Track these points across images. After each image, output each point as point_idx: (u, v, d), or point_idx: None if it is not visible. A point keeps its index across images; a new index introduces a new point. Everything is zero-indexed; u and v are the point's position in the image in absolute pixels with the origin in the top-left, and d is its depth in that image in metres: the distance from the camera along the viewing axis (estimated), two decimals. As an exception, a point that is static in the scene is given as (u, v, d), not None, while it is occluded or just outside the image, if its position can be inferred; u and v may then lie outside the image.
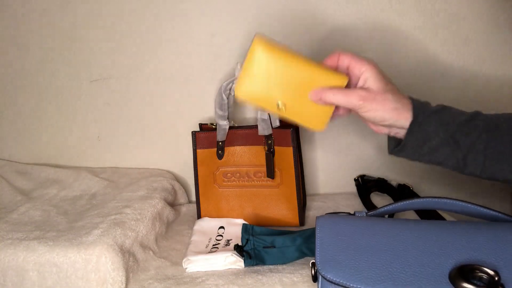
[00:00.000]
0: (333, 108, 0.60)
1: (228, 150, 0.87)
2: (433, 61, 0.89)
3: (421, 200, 0.61)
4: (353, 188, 0.96)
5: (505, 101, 0.90)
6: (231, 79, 0.83)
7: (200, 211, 0.89)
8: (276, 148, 0.85)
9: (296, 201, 0.85)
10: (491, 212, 0.57)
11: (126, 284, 0.69)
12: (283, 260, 0.72)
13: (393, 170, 0.97)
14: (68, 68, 0.99)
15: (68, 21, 0.96)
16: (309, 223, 0.86)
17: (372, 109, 0.57)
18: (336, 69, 0.61)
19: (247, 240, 0.73)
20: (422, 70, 0.90)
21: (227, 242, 0.79)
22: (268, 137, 0.85)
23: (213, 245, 0.78)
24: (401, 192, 0.91)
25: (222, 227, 0.85)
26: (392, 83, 0.60)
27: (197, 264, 0.72)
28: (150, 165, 1.04)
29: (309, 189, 0.98)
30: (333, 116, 0.62)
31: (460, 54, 0.88)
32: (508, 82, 0.89)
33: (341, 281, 0.48)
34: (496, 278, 0.44)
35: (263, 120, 0.83)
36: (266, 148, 0.85)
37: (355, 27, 0.88)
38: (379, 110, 0.57)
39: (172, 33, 0.94)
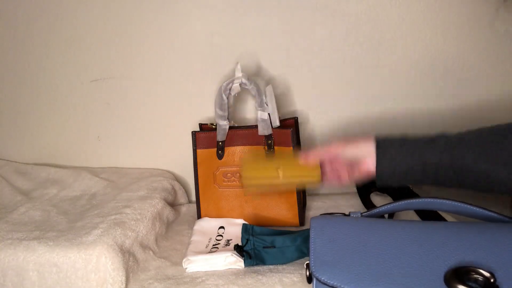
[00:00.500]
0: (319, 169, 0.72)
1: (228, 150, 0.87)
2: (434, 59, 0.89)
3: (417, 200, 0.61)
4: (353, 188, 0.96)
5: (506, 103, 0.90)
6: (231, 79, 0.83)
7: (200, 211, 0.89)
8: (276, 148, 0.85)
9: (296, 201, 0.85)
10: (487, 212, 0.56)
11: (126, 284, 0.69)
12: (283, 260, 0.72)
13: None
14: (68, 68, 0.99)
15: (68, 21, 0.96)
16: (309, 223, 0.86)
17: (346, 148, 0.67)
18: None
19: (247, 240, 0.73)
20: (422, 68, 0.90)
21: (227, 242, 0.79)
22: (268, 137, 0.85)
23: (213, 245, 0.78)
24: (401, 192, 0.91)
25: (222, 227, 0.85)
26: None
27: (197, 264, 0.72)
28: (150, 165, 1.04)
29: (309, 189, 0.98)
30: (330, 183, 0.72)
31: (460, 52, 0.88)
32: (509, 81, 0.89)
33: (335, 283, 0.48)
34: (492, 280, 0.43)
35: (263, 120, 0.83)
36: (266, 148, 0.85)
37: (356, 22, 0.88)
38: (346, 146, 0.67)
39: (172, 33, 0.94)
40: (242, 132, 0.87)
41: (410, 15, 0.87)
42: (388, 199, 0.92)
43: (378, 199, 0.92)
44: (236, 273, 0.70)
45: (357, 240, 0.53)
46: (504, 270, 0.44)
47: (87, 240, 0.71)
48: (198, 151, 0.88)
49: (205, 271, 0.72)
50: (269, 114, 0.83)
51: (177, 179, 1.02)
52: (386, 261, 0.49)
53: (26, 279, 0.70)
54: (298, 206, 0.85)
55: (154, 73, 0.97)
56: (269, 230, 0.77)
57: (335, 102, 0.94)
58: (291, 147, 0.83)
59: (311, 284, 0.51)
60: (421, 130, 0.92)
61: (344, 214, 0.63)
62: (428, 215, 0.81)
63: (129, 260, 0.72)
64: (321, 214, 0.63)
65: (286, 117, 0.90)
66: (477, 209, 0.57)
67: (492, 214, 0.56)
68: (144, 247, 0.78)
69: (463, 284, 0.43)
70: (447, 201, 0.59)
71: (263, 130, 0.84)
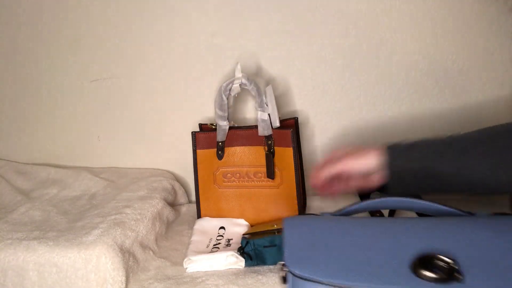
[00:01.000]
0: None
1: (228, 150, 0.87)
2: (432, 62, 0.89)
3: (380, 200, 0.63)
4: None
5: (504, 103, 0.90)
6: (231, 79, 0.83)
7: (200, 211, 0.89)
8: (276, 148, 0.85)
9: (296, 201, 0.85)
10: (449, 209, 0.60)
11: (126, 284, 0.69)
12: (284, 259, 0.72)
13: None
14: (68, 68, 0.99)
15: (68, 21, 0.96)
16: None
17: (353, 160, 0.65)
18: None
19: (247, 241, 0.73)
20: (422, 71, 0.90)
21: (228, 242, 0.79)
22: (268, 137, 0.85)
23: (214, 245, 0.78)
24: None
25: (222, 227, 0.85)
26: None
27: (198, 264, 0.73)
28: (150, 165, 1.04)
29: (309, 189, 0.98)
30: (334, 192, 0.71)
31: (459, 54, 0.88)
32: (509, 81, 0.89)
33: (309, 276, 0.50)
34: (456, 267, 0.46)
35: (263, 120, 0.83)
36: (266, 149, 0.85)
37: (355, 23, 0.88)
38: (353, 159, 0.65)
39: (172, 33, 0.94)
40: (242, 133, 0.87)
41: (410, 15, 0.87)
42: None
43: (378, 199, 0.91)
44: (236, 273, 0.70)
45: (328, 236, 0.55)
46: (466, 256, 0.47)
47: (87, 240, 0.71)
48: (198, 151, 0.88)
49: (205, 271, 0.72)
50: (269, 114, 0.83)
51: (177, 179, 1.02)
52: (356, 253, 0.51)
53: (26, 279, 0.70)
54: (298, 206, 0.85)
55: (154, 73, 0.97)
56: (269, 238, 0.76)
57: (335, 102, 0.94)
58: (291, 148, 0.83)
59: (286, 284, 0.53)
60: (421, 130, 0.93)
61: (316, 215, 0.65)
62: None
63: (129, 260, 0.72)
64: (294, 215, 0.65)
65: (286, 117, 0.90)
66: (439, 206, 0.60)
67: (453, 210, 0.60)
68: (144, 247, 0.78)
69: (428, 270, 0.46)
70: (409, 199, 0.62)
71: (263, 131, 0.84)
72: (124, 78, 0.98)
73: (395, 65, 0.90)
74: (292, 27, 0.90)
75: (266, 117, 0.83)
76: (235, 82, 0.83)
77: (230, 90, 0.84)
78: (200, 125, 0.91)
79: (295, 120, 0.89)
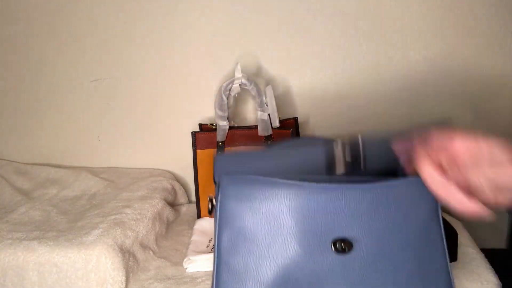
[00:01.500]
0: None
1: (228, 150, 0.87)
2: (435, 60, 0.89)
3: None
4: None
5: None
6: (231, 79, 0.83)
7: (200, 211, 0.89)
8: (276, 148, 0.85)
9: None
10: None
11: (126, 284, 0.69)
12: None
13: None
14: (68, 68, 0.99)
15: (68, 21, 0.96)
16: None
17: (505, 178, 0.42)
18: None
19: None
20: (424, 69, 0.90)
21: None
22: (268, 137, 0.85)
23: (214, 245, 0.78)
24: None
25: (222, 227, 0.85)
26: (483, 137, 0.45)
27: (198, 264, 0.73)
28: (150, 165, 1.04)
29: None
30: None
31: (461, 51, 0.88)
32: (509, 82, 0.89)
33: (236, 178, 0.49)
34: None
35: (263, 120, 0.83)
36: (266, 148, 0.85)
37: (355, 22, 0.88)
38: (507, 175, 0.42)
39: (172, 33, 0.94)
40: (242, 133, 0.87)
41: (410, 15, 0.87)
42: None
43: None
44: (236, 273, 0.70)
45: (254, 160, 0.54)
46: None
47: (87, 240, 0.71)
48: (198, 151, 0.88)
49: (205, 271, 0.72)
50: (269, 114, 0.83)
51: (177, 179, 1.02)
52: (279, 166, 0.53)
53: (26, 279, 0.70)
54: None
55: (154, 73, 0.97)
56: None
57: (335, 102, 0.94)
58: (291, 147, 0.83)
59: (213, 211, 0.52)
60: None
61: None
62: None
63: (129, 260, 0.72)
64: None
65: (286, 117, 0.90)
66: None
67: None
68: (144, 247, 0.78)
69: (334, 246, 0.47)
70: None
71: (263, 131, 0.84)
72: (124, 78, 0.98)
73: (395, 65, 0.90)
74: (292, 27, 0.90)
75: (266, 117, 0.83)
76: (235, 82, 0.83)
77: (230, 90, 0.84)
78: (200, 125, 0.91)
79: (295, 120, 0.89)
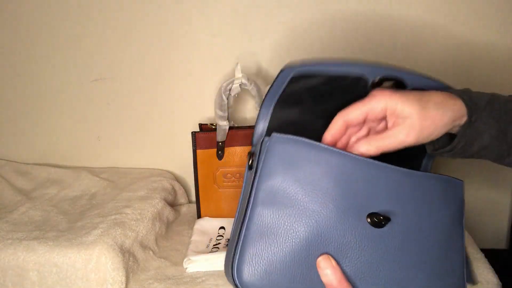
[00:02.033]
0: None
1: (228, 150, 0.87)
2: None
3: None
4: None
5: None
6: (231, 79, 0.83)
7: (200, 211, 0.90)
8: (276, 148, 0.85)
9: (296, 201, 0.85)
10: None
11: (126, 284, 0.69)
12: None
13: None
14: (68, 68, 0.99)
15: (68, 21, 0.96)
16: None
17: (426, 135, 0.50)
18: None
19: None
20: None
21: (228, 242, 0.79)
22: (268, 137, 0.85)
23: (214, 245, 0.78)
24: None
25: (222, 227, 0.85)
26: (422, 93, 0.52)
27: (198, 264, 0.73)
28: (150, 165, 1.04)
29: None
30: None
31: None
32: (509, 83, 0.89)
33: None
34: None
35: (263, 120, 0.83)
36: (266, 148, 0.85)
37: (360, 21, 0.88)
38: (433, 133, 0.50)
39: (172, 33, 0.94)
40: (242, 133, 0.87)
41: (410, 15, 0.87)
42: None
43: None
44: (236, 273, 0.70)
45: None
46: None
47: (87, 240, 0.71)
48: (198, 151, 0.88)
49: (205, 271, 0.72)
50: (269, 114, 0.83)
51: (177, 179, 1.02)
52: None
53: (26, 279, 0.70)
54: (298, 206, 0.85)
55: (154, 73, 0.97)
56: None
57: (335, 102, 0.94)
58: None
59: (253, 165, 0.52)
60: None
61: None
62: None
63: (129, 260, 0.72)
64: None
65: (286, 117, 0.90)
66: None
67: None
68: (144, 247, 0.78)
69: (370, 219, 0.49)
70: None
71: (263, 130, 0.84)
72: (124, 78, 0.98)
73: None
74: (292, 27, 0.90)
75: (266, 117, 0.83)
76: (235, 82, 0.83)
77: (230, 90, 0.84)
78: (200, 125, 0.91)
79: (295, 120, 0.89)
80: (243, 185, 0.57)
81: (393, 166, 0.50)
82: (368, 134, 0.55)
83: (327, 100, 0.58)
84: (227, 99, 0.84)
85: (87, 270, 0.68)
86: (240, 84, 0.83)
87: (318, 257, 0.47)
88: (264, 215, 0.48)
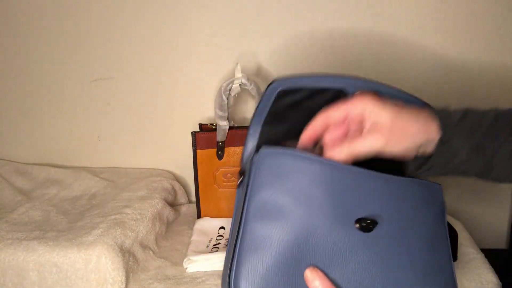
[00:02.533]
0: None
1: (228, 150, 0.87)
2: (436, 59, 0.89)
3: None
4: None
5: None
6: (231, 79, 0.83)
7: (200, 211, 0.90)
8: (276, 148, 0.85)
9: (296, 201, 0.85)
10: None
11: (126, 284, 0.69)
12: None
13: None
14: (68, 68, 0.99)
15: (68, 21, 0.96)
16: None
17: (396, 143, 0.50)
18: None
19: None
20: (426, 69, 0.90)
21: (228, 242, 0.79)
22: (268, 137, 0.84)
23: (214, 245, 0.78)
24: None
25: (222, 227, 0.85)
26: (399, 103, 0.53)
27: (198, 264, 0.73)
28: (150, 165, 1.04)
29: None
30: None
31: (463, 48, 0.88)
32: (510, 82, 0.89)
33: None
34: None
35: (263, 120, 0.83)
36: (266, 148, 0.85)
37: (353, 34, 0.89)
38: (402, 142, 0.50)
39: (172, 33, 0.94)
40: (242, 133, 0.87)
41: (411, 15, 0.87)
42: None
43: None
44: (236, 273, 0.70)
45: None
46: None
47: (87, 240, 0.71)
48: (198, 151, 0.88)
49: (205, 271, 0.72)
50: (269, 114, 0.83)
51: (177, 179, 1.02)
52: None
53: (26, 279, 0.70)
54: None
55: (154, 73, 0.97)
56: None
57: (335, 102, 0.94)
58: (291, 147, 0.83)
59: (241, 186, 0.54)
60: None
61: None
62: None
63: (129, 260, 0.72)
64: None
65: (286, 117, 0.90)
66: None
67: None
68: (144, 247, 0.78)
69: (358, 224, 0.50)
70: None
71: (263, 130, 0.84)
72: (124, 78, 0.98)
73: (395, 65, 0.90)
74: (292, 27, 0.90)
75: (266, 117, 0.83)
76: (235, 82, 0.83)
77: (230, 90, 0.84)
78: (200, 125, 0.91)
79: (295, 120, 0.89)
80: (235, 204, 0.58)
81: (375, 172, 0.51)
82: (345, 134, 0.56)
83: (311, 116, 0.58)
84: (227, 99, 0.84)
85: (87, 270, 0.68)
86: (240, 84, 0.83)
87: (308, 266, 0.48)
88: (256, 229, 0.49)
